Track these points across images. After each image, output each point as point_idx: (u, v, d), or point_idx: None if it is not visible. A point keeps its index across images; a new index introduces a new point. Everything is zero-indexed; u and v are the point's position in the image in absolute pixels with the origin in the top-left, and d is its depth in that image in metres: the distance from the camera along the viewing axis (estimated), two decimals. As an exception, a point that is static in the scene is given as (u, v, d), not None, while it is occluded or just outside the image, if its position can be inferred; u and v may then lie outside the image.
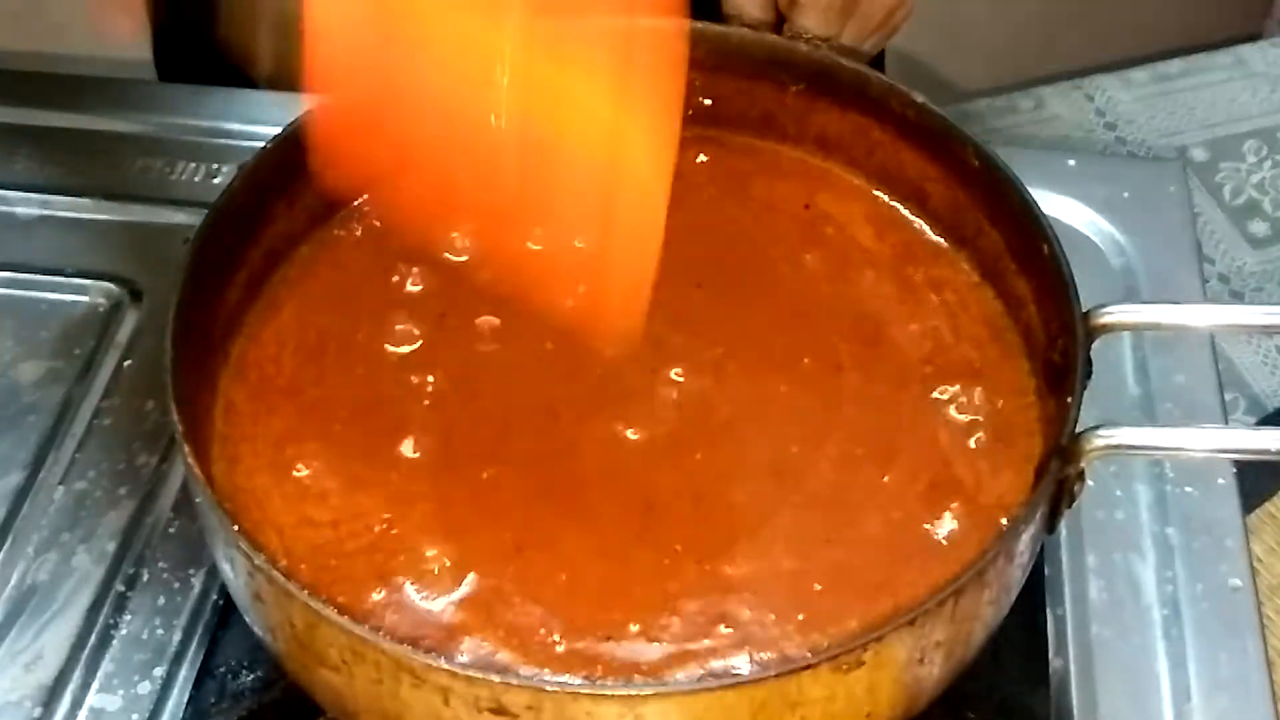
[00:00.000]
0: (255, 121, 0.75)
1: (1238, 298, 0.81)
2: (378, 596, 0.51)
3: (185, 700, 0.57)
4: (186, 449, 0.50)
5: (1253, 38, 1.08)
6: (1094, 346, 0.53)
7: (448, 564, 0.51)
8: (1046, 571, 0.60)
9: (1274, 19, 1.21)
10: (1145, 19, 1.31)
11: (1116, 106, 0.90)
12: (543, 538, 0.52)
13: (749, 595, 0.51)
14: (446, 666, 0.45)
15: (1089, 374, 0.52)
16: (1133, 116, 0.90)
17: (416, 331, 0.58)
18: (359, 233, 0.62)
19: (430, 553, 0.52)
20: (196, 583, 0.60)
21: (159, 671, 0.57)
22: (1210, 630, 0.59)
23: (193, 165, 0.75)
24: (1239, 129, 0.89)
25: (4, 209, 0.73)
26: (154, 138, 0.76)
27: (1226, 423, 0.68)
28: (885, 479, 0.54)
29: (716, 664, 0.49)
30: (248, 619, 0.52)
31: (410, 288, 0.60)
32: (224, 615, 0.59)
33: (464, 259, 0.60)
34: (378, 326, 0.58)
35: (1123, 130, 0.89)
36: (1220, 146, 0.88)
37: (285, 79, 0.56)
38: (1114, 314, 0.54)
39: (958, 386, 0.57)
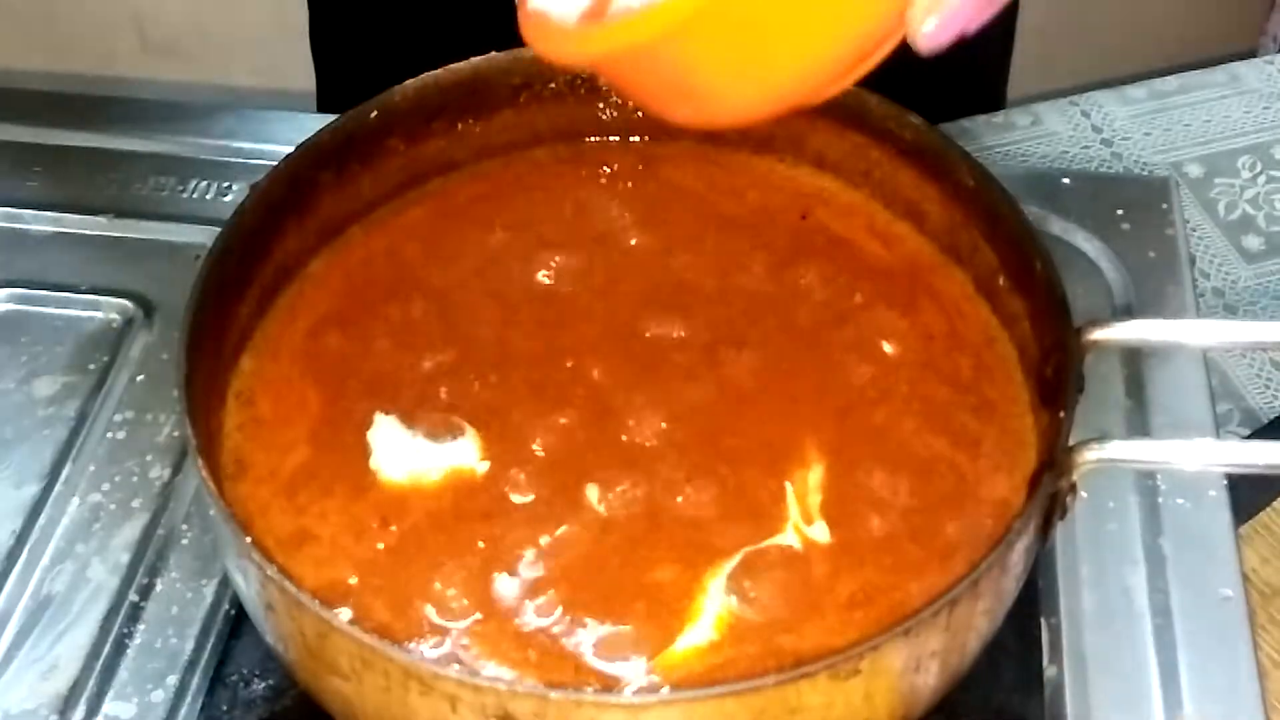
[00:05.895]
0: (266, 140, 0.76)
1: (1232, 312, 0.82)
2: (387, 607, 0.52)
3: (198, 708, 0.58)
4: (200, 462, 0.51)
5: (1248, 55, 1.09)
6: (1087, 359, 0.54)
7: (452, 576, 0.53)
8: (1040, 582, 0.61)
9: (1268, 36, 1.22)
10: (1142, 36, 1.32)
11: (1113, 123, 0.91)
12: (547, 550, 0.53)
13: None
14: (454, 675, 0.46)
15: (1081, 389, 0.53)
16: (1129, 133, 0.90)
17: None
18: (370, 248, 0.63)
19: (435, 571, 0.53)
20: (208, 593, 0.61)
21: (172, 680, 0.58)
22: (1202, 640, 0.60)
23: (205, 183, 0.76)
24: (1233, 145, 0.90)
25: (18, 227, 0.74)
26: (166, 156, 0.77)
27: (1219, 435, 0.69)
28: (879, 488, 0.55)
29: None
30: (259, 628, 0.54)
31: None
32: (236, 624, 0.60)
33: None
34: (389, 341, 0.60)
35: (1119, 146, 0.89)
36: (1215, 162, 0.89)
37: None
38: (1106, 331, 0.55)
39: (953, 398, 0.58)
